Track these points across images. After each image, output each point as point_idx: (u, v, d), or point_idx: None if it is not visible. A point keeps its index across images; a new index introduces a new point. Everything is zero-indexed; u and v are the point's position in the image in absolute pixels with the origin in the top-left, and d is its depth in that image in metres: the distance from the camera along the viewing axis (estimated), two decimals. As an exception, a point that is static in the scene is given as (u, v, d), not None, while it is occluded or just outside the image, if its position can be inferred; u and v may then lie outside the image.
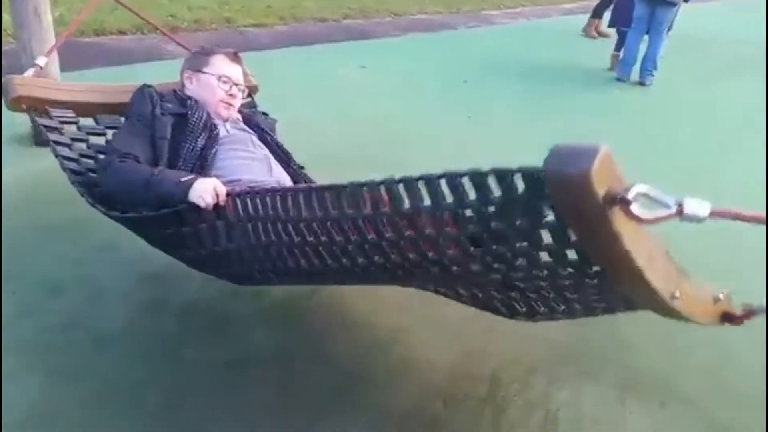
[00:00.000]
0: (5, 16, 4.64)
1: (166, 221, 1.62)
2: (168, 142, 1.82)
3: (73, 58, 3.64)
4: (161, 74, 2.22)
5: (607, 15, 6.89)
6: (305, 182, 2.02)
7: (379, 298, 2.09)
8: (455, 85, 5.04)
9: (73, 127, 2.17)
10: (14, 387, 1.59)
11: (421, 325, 2.01)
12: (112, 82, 2.44)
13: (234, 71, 2.04)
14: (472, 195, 0.98)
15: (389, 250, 1.17)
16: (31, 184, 2.62)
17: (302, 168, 2.11)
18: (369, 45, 6.10)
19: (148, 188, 1.64)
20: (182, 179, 1.60)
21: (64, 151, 2.04)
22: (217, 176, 1.71)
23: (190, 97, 1.95)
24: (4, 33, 4.56)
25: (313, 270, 1.38)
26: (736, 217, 0.84)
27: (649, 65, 5.65)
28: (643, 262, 0.84)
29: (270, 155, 1.98)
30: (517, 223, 0.94)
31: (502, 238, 0.99)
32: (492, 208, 0.97)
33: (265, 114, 2.35)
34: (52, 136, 2.07)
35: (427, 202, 1.03)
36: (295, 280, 1.66)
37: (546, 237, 0.95)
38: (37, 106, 2.14)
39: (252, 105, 2.48)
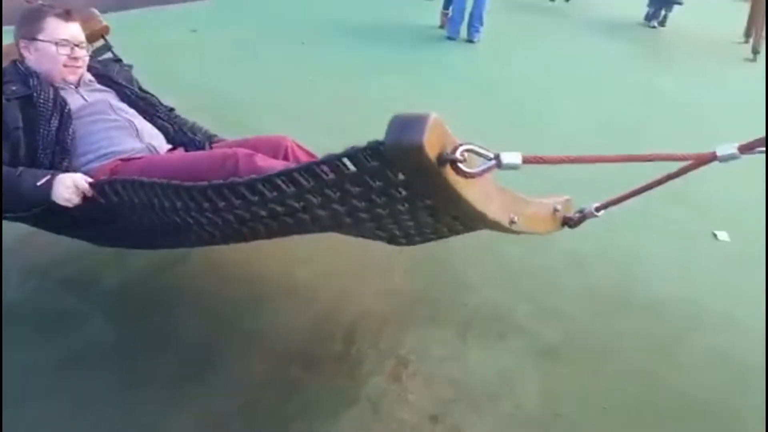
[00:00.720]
0: None
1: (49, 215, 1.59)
2: (21, 131, 1.69)
3: None
4: None
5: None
6: (177, 127, 1.99)
7: (226, 274, 2.05)
8: (294, 46, 4.96)
9: None
10: None
11: (273, 295, 2.01)
12: None
13: (71, 31, 1.89)
14: (332, 176, 1.12)
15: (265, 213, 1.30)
16: None
17: (172, 110, 2.08)
18: (200, 7, 5.79)
19: (16, 193, 1.57)
20: (39, 182, 1.54)
21: None
22: (84, 156, 1.71)
23: (32, 73, 1.79)
24: None
25: (193, 230, 1.47)
26: (543, 161, 1.02)
27: (476, 22, 5.94)
28: (481, 204, 1.02)
29: (135, 116, 1.89)
30: (375, 185, 1.10)
31: (367, 199, 1.16)
32: (352, 185, 1.12)
33: (118, 61, 2.23)
34: None
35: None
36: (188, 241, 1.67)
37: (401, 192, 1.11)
38: None
39: (107, 47, 2.36)
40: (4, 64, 1.88)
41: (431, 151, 0.90)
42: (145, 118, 1.93)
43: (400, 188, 1.10)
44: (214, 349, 1.75)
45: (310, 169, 1.13)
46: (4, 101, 1.73)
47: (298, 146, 1.91)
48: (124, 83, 2.01)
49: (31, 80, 1.78)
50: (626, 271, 2.32)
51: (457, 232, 1.39)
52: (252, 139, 1.95)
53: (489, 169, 0.95)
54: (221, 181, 1.25)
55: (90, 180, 1.56)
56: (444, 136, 0.93)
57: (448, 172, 0.93)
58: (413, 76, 4.69)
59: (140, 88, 2.08)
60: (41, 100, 1.74)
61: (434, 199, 1.10)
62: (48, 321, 1.77)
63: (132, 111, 1.92)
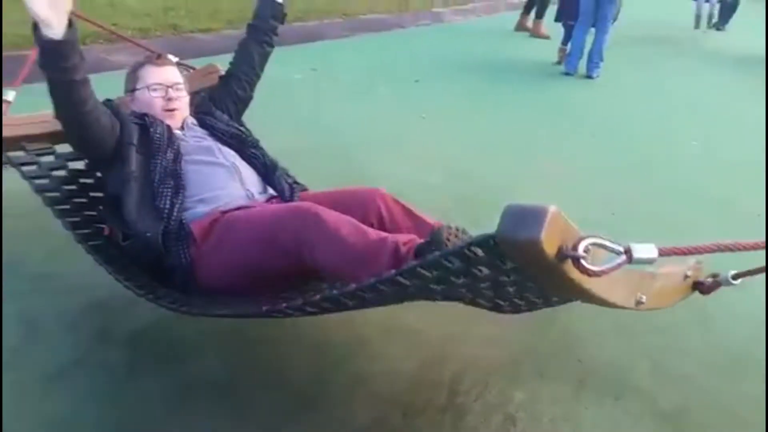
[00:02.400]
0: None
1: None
2: (135, 149, 1.83)
3: (15, 72, 3.50)
4: (107, 87, 2.12)
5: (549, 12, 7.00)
6: (270, 163, 2.02)
7: (331, 315, 2.07)
8: (407, 84, 5.04)
9: (50, 157, 2.12)
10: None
11: (378, 337, 1.99)
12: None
13: (163, 74, 2.03)
14: (436, 273, 1.11)
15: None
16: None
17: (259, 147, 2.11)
18: (320, 47, 6.06)
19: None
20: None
21: (43, 183, 2.02)
22: (193, 197, 1.79)
23: (145, 114, 1.95)
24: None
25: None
26: (682, 253, 0.91)
27: (595, 58, 5.76)
28: (605, 293, 0.92)
29: (236, 158, 1.97)
30: (482, 273, 1.06)
31: (472, 285, 1.15)
32: (458, 276, 1.11)
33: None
34: (27, 169, 2.05)
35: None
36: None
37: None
38: (13, 144, 2.10)
39: None
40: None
41: (550, 249, 0.82)
42: (240, 154, 2.00)
43: (510, 275, 1.03)
44: (317, 389, 1.76)
45: (414, 270, 1.11)
46: (126, 118, 1.87)
47: (394, 201, 1.84)
48: (218, 124, 2.08)
49: (146, 117, 1.92)
50: (756, 331, 2.09)
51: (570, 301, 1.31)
52: (340, 193, 1.91)
53: (618, 266, 0.85)
54: (346, 289, 1.27)
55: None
56: (564, 229, 0.83)
57: (569, 269, 0.84)
58: (529, 113, 4.60)
59: (231, 124, 2.14)
60: (157, 134, 1.87)
61: (550, 288, 1.02)
62: (168, 350, 1.85)
63: (233, 153, 1.99)
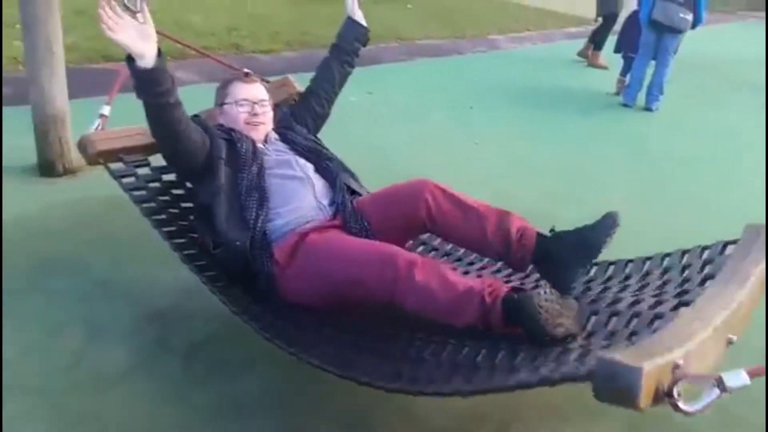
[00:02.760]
0: (16, 43, 4.71)
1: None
2: (223, 163, 1.94)
3: (82, 86, 3.66)
4: None
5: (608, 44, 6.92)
6: (337, 177, 2.05)
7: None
8: (462, 110, 5.04)
9: (146, 169, 2.21)
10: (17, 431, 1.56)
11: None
12: (124, 110, 2.43)
13: (251, 91, 2.14)
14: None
15: None
16: (35, 217, 2.61)
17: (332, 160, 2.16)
18: (375, 71, 6.13)
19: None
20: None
21: (141, 195, 2.10)
22: (275, 209, 1.90)
23: (231, 128, 2.06)
24: (13, 60, 4.61)
25: None
26: None
27: (655, 90, 5.66)
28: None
29: (311, 171, 2.05)
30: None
31: None
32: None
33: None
34: (127, 181, 2.14)
35: None
36: None
37: None
38: (111, 157, 2.18)
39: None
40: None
41: (646, 401, 0.86)
42: (314, 166, 2.07)
43: None
44: (366, 416, 1.75)
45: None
46: (214, 133, 1.98)
47: (442, 192, 1.89)
48: (297, 137, 2.16)
49: (232, 132, 2.02)
50: None
51: None
52: (392, 190, 1.98)
53: (713, 401, 0.88)
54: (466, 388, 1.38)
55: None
56: (659, 373, 0.86)
57: (671, 404, 0.89)
58: (585, 143, 4.53)
59: (308, 137, 2.21)
60: (243, 149, 1.97)
61: None
62: (222, 364, 1.88)
63: (309, 165, 2.07)
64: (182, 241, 1.99)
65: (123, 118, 2.24)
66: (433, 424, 1.74)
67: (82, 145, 2.14)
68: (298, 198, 1.95)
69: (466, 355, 1.55)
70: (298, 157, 2.08)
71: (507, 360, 1.48)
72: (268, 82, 2.66)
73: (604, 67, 7.15)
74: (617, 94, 6.10)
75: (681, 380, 0.86)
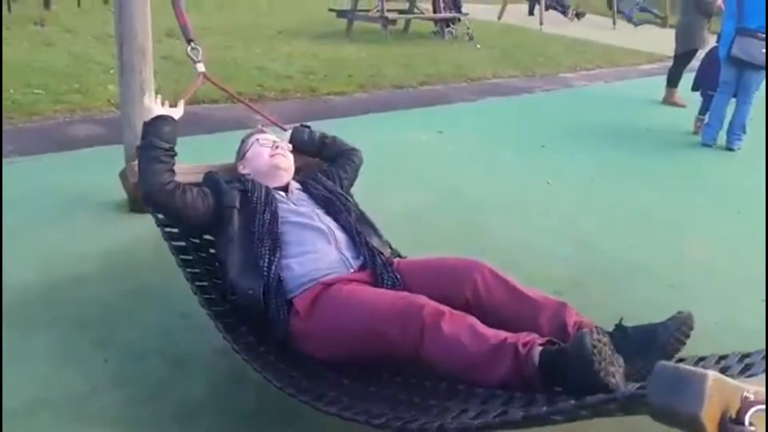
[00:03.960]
0: (111, 87, 5.08)
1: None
2: (236, 212, 1.97)
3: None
4: (231, 146, 2.38)
5: (685, 82, 6.72)
6: (356, 231, 2.02)
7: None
8: (533, 149, 5.01)
9: None
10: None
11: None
12: (206, 150, 2.58)
13: (267, 136, 2.30)
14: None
15: None
16: (125, 249, 2.77)
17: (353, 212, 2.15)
18: (445, 110, 6.20)
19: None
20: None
21: (172, 232, 2.16)
22: (290, 258, 1.88)
23: (248, 179, 2.12)
24: (108, 103, 4.96)
25: None
26: None
27: (737, 129, 5.43)
28: None
29: (332, 223, 2.03)
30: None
31: None
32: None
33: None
34: (161, 217, 2.18)
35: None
36: None
37: None
38: None
39: None
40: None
41: (710, 422, 0.74)
42: (334, 218, 2.05)
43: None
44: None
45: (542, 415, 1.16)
46: (225, 186, 2.05)
47: (493, 274, 1.78)
48: (318, 187, 2.18)
49: (247, 183, 2.07)
50: None
51: None
52: (437, 264, 1.91)
53: None
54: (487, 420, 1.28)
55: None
56: (726, 395, 0.76)
57: None
58: (662, 184, 4.39)
59: (332, 189, 2.21)
60: (254, 197, 2.00)
61: None
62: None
63: (331, 219, 2.04)
64: (204, 284, 2.01)
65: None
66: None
67: (124, 176, 2.36)
68: (317, 247, 1.91)
69: (498, 403, 1.43)
70: (318, 209, 2.07)
71: (545, 403, 1.35)
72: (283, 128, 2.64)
73: (682, 105, 6.95)
74: (695, 133, 5.89)
75: (754, 407, 0.75)
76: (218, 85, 2.89)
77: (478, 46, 10.08)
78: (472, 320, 1.60)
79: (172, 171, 2.01)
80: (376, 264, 1.90)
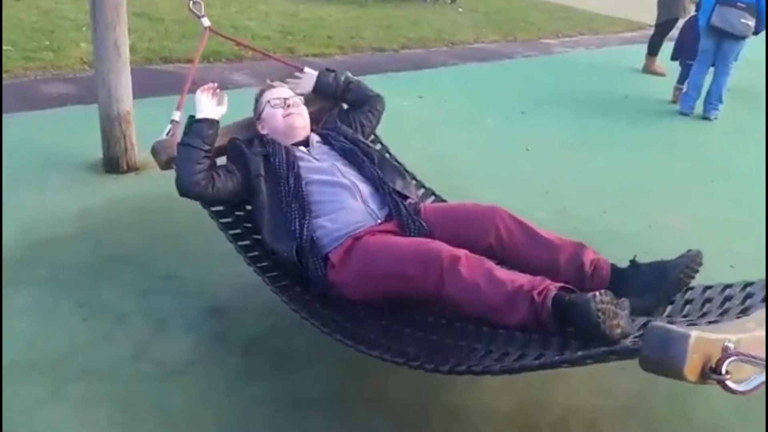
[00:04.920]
0: (83, 45, 4.93)
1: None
2: (263, 180, 2.02)
3: (143, 86, 3.81)
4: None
5: (665, 50, 6.75)
6: (380, 181, 2.06)
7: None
8: (513, 116, 5.02)
9: None
10: (79, 417, 1.65)
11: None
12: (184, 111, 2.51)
13: (279, 92, 2.27)
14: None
15: None
16: (101, 211, 2.73)
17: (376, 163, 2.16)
18: (426, 75, 6.15)
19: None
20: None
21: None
22: (319, 217, 1.94)
23: (269, 140, 2.14)
24: (81, 61, 4.82)
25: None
26: None
27: (714, 99, 5.50)
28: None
29: (357, 177, 2.06)
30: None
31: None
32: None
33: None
34: None
35: None
36: None
37: None
38: None
39: None
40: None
41: (692, 374, 0.88)
42: (358, 169, 2.09)
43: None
44: (419, 414, 1.78)
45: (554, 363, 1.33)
46: (249, 154, 2.07)
47: (513, 219, 1.89)
48: (339, 139, 2.20)
49: (268, 146, 2.10)
50: None
51: None
52: (460, 209, 2.03)
53: (761, 384, 0.88)
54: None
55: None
56: (707, 348, 0.88)
57: (716, 382, 0.89)
58: (639, 153, 4.45)
59: (354, 138, 2.24)
60: (276, 162, 2.03)
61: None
62: (279, 358, 1.94)
63: (353, 170, 2.08)
64: (246, 243, 2.07)
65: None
66: (484, 426, 1.76)
67: (155, 152, 2.24)
68: (343, 203, 1.97)
69: (517, 345, 1.58)
70: (340, 163, 2.10)
71: (558, 348, 1.51)
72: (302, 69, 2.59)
73: (661, 74, 6.99)
74: (674, 102, 5.95)
75: (730, 358, 0.86)
76: (227, 37, 2.84)
77: (460, 9, 9.97)
78: (490, 264, 1.69)
79: (207, 170, 2.02)
80: (401, 214, 1.97)
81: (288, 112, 2.20)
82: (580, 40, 9.41)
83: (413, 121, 4.60)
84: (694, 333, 0.86)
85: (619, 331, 1.46)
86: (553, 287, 1.60)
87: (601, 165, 4.07)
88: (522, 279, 1.63)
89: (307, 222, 1.91)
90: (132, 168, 3.16)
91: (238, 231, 2.12)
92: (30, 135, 3.41)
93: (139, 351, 1.91)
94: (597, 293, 1.50)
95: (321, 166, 2.07)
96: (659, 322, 0.96)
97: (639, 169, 4.09)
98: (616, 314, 1.48)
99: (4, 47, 4.81)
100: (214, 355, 1.93)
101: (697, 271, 1.75)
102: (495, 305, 1.62)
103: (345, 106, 2.53)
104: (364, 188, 2.03)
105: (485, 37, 8.30)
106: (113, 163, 3.15)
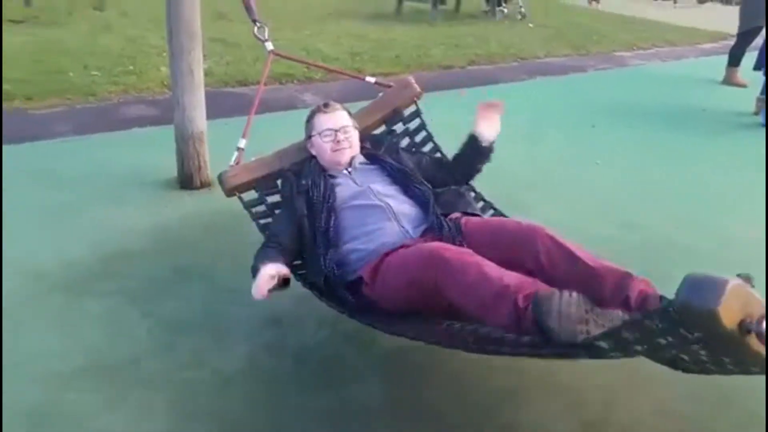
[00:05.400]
0: (163, 69, 5.22)
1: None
2: (307, 219, 2.05)
3: (218, 107, 3.99)
4: (297, 122, 2.39)
5: (747, 60, 6.40)
6: (428, 200, 2.07)
7: (488, 358, 2.05)
8: (583, 129, 4.89)
9: (276, 197, 2.39)
10: (139, 423, 1.72)
11: (533, 390, 1.93)
12: (256, 131, 2.61)
13: (332, 120, 2.23)
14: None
15: None
16: (174, 226, 2.87)
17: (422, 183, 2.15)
18: (495, 90, 6.10)
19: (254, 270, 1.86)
20: (256, 274, 1.78)
21: (266, 220, 2.33)
22: (347, 243, 1.98)
23: (314, 166, 2.20)
24: (160, 84, 5.11)
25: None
26: None
27: (800, 110, 5.16)
28: None
29: (392, 197, 2.07)
30: (666, 341, 1.05)
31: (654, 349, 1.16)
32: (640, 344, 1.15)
33: (398, 133, 2.59)
34: (256, 209, 2.37)
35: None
36: None
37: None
38: (245, 188, 2.40)
39: (417, 113, 2.73)
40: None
41: (729, 321, 0.81)
42: (403, 189, 2.11)
43: (694, 345, 0.99)
44: (480, 420, 1.76)
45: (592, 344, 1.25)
46: (295, 194, 2.12)
47: (555, 243, 1.76)
48: (387, 159, 2.21)
49: (312, 173, 2.14)
50: None
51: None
52: (500, 227, 1.95)
53: None
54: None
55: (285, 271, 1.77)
56: (748, 303, 0.83)
57: (753, 343, 0.83)
58: (716, 166, 4.22)
59: (398, 160, 2.23)
60: (315, 195, 2.07)
61: (737, 360, 0.99)
62: (332, 368, 1.97)
63: (391, 191, 2.09)
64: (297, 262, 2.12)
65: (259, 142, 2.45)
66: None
67: (221, 181, 2.37)
68: (376, 224, 1.98)
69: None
70: (378, 184, 2.11)
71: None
72: (389, 86, 2.72)
73: (743, 85, 6.63)
74: (756, 113, 5.62)
75: None
76: (289, 57, 2.94)
77: (531, 25, 9.86)
78: (483, 262, 1.65)
79: (276, 247, 2.03)
80: (443, 231, 1.95)
81: (337, 147, 2.18)
82: (656, 52, 9.09)
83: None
84: (735, 280, 0.82)
85: (583, 336, 1.38)
86: (541, 290, 1.52)
87: (675, 179, 3.89)
88: (509, 279, 1.58)
89: (329, 255, 1.94)
90: (204, 184, 3.31)
91: None
92: (110, 154, 3.65)
93: (198, 359, 1.98)
94: (565, 293, 1.45)
95: (357, 191, 2.09)
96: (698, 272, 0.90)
97: (716, 183, 3.88)
98: (584, 320, 1.41)
99: (92, 73, 5.19)
100: (267, 364, 1.98)
101: None
102: (481, 301, 1.59)
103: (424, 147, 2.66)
104: (400, 208, 2.03)
105: (556, 51, 8.17)
106: (187, 180, 3.31)
